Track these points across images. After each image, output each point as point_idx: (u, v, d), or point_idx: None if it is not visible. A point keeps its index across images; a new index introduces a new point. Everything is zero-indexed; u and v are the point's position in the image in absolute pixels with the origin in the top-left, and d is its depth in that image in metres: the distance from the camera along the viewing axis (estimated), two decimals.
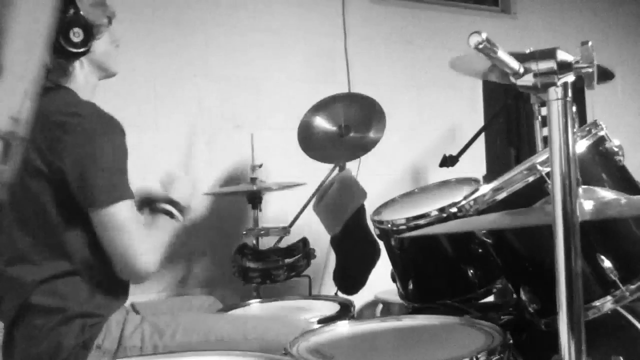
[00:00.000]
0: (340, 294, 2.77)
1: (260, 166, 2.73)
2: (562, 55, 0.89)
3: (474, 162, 2.71)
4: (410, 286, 1.95)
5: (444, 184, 2.19)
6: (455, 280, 1.88)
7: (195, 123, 3.03)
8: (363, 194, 2.68)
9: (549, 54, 0.89)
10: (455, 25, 3.79)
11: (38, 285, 1.50)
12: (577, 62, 0.89)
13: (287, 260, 2.51)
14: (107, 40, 1.67)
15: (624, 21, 4.54)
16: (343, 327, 1.49)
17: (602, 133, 1.49)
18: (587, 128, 1.49)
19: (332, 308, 1.92)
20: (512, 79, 0.91)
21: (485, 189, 1.57)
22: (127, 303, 1.78)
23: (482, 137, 2.68)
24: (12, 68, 0.84)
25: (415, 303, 1.96)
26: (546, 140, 1.56)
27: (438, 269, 1.93)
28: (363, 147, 2.59)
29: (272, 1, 3.28)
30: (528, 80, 0.90)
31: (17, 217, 1.53)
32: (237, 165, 3.08)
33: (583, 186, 1.33)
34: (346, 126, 2.67)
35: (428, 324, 1.49)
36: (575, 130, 1.17)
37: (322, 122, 2.70)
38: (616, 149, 1.47)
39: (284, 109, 3.20)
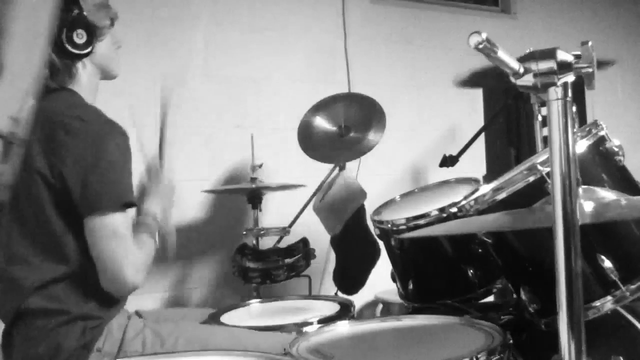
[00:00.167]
0: (340, 294, 2.77)
1: (260, 166, 2.73)
2: (562, 55, 0.89)
3: (474, 162, 2.71)
4: (410, 286, 1.95)
5: (444, 184, 2.19)
6: (455, 280, 1.88)
7: (195, 123, 3.03)
8: (363, 194, 2.68)
9: (549, 54, 0.89)
10: (455, 25, 3.79)
11: (37, 288, 1.50)
12: (577, 62, 0.89)
13: (287, 260, 2.51)
14: (109, 41, 1.67)
15: (624, 21, 4.54)
16: (343, 327, 1.49)
17: (602, 133, 1.49)
18: (587, 128, 1.49)
19: (332, 308, 1.91)
20: (512, 79, 0.91)
21: (485, 189, 1.57)
22: (132, 309, 1.78)
23: (482, 137, 2.67)
24: (12, 68, 0.84)
25: (415, 303, 1.96)
26: (546, 140, 1.56)
27: (438, 269, 1.93)
28: (363, 147, 2.59)
29: (272, 1, 3.28)
30: (528, 80, 0.90)
31: (17, 217, 1.53)
32: (237, 165, 3.08)
33: (583, 186, 1.33)
34: (346, 126, 2.67)
35: (428, 324, 1.49)
36: (575, 130, 1.17)
37: (322, 122, 2.70)
38: (616, 149, 1.47)
39: (284, 109, 3.20)
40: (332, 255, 2.85)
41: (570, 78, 0.89)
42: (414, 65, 3.68)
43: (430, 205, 1.87)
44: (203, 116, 3.06)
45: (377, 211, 2.09)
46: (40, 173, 1.47)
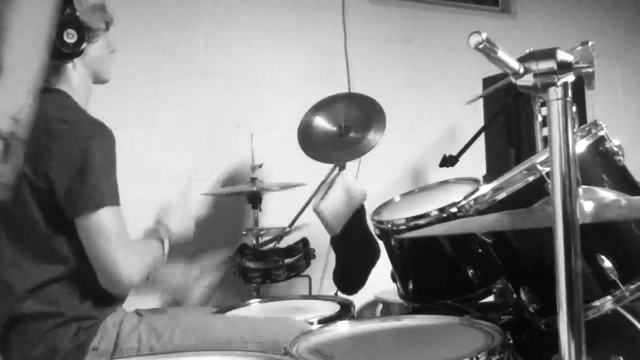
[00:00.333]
0: (340, 294, 2.77)
1: (260, 166, 2.73)
2: (562, 55, 0.89)
3: (474, 162, 2.70)
4: (410, 286, 1.95)
5: (444, 184, 2.19)
6: (455, 280, 1.88)
7: (195, 123, 3.03)
8: (363, 194, 2.68)
9: (549, 54, 0.89)
10: (455, 25, 3.79)
11: (30, 291, 1.49)
12: (577, 62, 0.89)
13: (287, 260, 2.51)
14: (103, 45, 1.65)
15: (624, 21, 4.54)
16: (343, 327, 1.49)
17: (602, 133, 1.49)
18: (587, 128, 1.49)
19: (332, 308, 1.92)
20: (512, 79, 0.91)
21: (485, 189, 1.57)
22: (131, 309, 1.78)
23: (482, 137, 2.67)
24: (12, 68, 0.84)
25: (415, 303, 1.96)
26: (546, 140, 1.56)
27: (438, 269, 1.93)
28: (363, 147, 2.59)
29: (272, 1, 3.28)
30: (528, 80, 0.90)
31: (5, 220, 1.52)
32: (237, 166, 3.08)
33: (583, 186, 1.33)
34: (346, 126, 2.67)
35: (428, 324, 1.49)
36: (575, 130, 1.17)
37: (322, 122, 2.70)
38: (616, 149, 1.47)
39: (284, 109, 3.20)
40: (332, 255, 2.85)
41: (570, 78, 0.89)
42: (414, 65, 3.68)
43: (430, 205, 1.87)
44: (203, 116, 3.06)
45: (377, 211, 2.09)
46: (26, 176, 1.46)
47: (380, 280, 2.44)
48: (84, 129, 1.51)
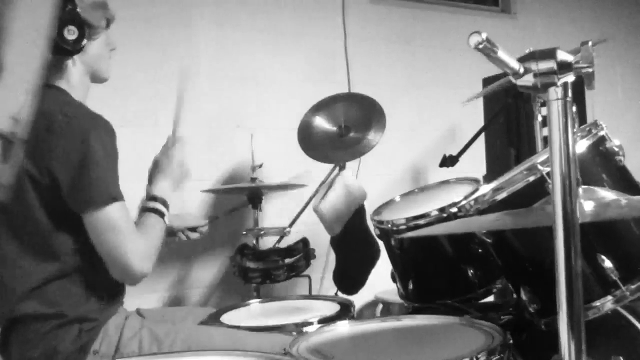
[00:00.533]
0: (340, 294, 2.77)
1: (261, 166, 2.73)
2: (562, 55, 0.89)
3: (474, 162, 2.70)
4: (410, 286, 1.95)
5: (444, 184, 2.19)
6: (455, 280, 1.88)
7: (195, 123, 3.03)
8: (363, 194, 2.68)
9: (549, 54, 0.89)
10: (455, 25, 3.79)
11: (30, 290, 1.49)
12: (577, 62, 0.89)
13: (287, 260, 2.51)
14: (103, 43, 1.64)
15: (624, 21, 4.54)
16: (343, 327, 1.49)
17: (602, 133, 1.49)
18: (587, 128, 1.49)
19: (332, 308, 1.91)
20: (512, 79, 0.91)
21: (485, 189, 1.57)
22: (132, 308, 1.78)
23: (482, 137, 2.67)
24: (12, 68, 0.84)
25: (415, 303, 1.96)
26: (546, 140, 1.56)
27: (438, 269, 1.93)
28: (363, 147, 2.59)
29: (272, 1, 3.28)
30: (528, 80, 0.90)
31: (4, 219, 1.52)
32: (237, 165, 3.08)
33: (583, 186, 1.33)
34: (346, 126, 2.67)
35: (428, 324, 1.49)
36: (575, 130, 1.17)
37: (322, 122, 2.70)
38: (616, 149, 1.47)
39: (284, 109, 3.20)
40: (332, 255, 2.85)
41: (570, 78, 0.89)
42: (414, 65, 3.68)
43: (430, 205, 1.87)
44: (203, 116, 3.06)
45: (377, 211, 2.09)
46: (28, 172, 1.46)
47: (380, 280, 2.44)
48: (83, 121, 1.50)
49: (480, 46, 0.82)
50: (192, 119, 3.01)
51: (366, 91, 2.81)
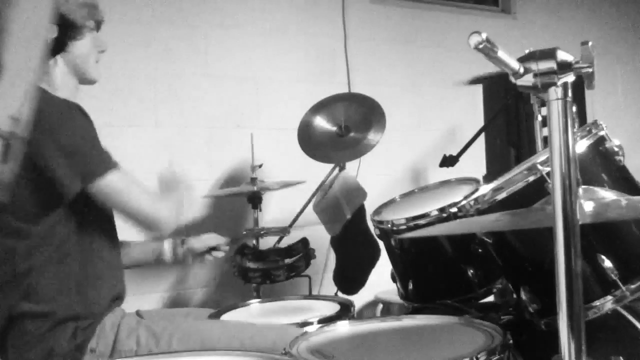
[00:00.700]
0: (340, 294, 2.77)
1: (260, 166, 2.73)
2: (562, 55, 0.89)
3: (474, 162, 2.71)
4: (410, 286, 1.95)
5: (444, 184, 2.19)
6: (455, 280, 1.88)
7: (195, 123, 3.03)
8: (363, 194, 2.68)
9: (549, 54, 0.89)
10: (455, 25, 3.79)
11: (24, 288, 1.49)
12: (577, 62, 0.89)
13: (287, 261, 2.51)
14: (89, 44, 1.61)
15: (624, 21, 4.54)
16: (343, 327, 1.49)
17: (602, 133, 1.49)
18: (587, 128, 1.49)
19: (332, 308, 1.91)
20: (512, 79, 0.91)
21: (485, 189, 1.57)
22: (132, 309, 1.78)
23: (482, 137, 2.68)
24: (11, 68, 0.84)
25: (415, 303, 1.96)
26: (546, 140, 1.56)
27: (438, 269, 1.93)
28: (363, 147, 2.59)
29: (272, 1, 3.28)
30: (528, 80, 0.90)
31: None
32: (237, 166, 3.08)
33: (583, 186, 1.33)
34: (346, 126, 2.67)
35: (428, 324, 1.49)
36: (575, 130, 1.17)
37: (322, 122, 2.70)
38: (616, 149, 1.47)
39: (284, 109, 3.20)
40: (332, 255, 2.85)
41: (570, 78, 0.89)
42: (414, 65, 3.68)
43: (430, 205, 1.87)
44: (203, 116, 3.06)
45: (377, 211, 2.09)
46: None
47: (380, 280, 2.44)
48: (51, 109, 1.49)
49: (480, 46, 0.82)
50: (192, 119, 3.02)
51: (366, 91, 2.81)
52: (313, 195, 2.80)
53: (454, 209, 1.78)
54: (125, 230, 1.68)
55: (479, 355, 1.18)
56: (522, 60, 0.90)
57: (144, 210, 1.55)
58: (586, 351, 0.90)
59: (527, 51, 0.90)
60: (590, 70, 0.89)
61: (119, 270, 1.69)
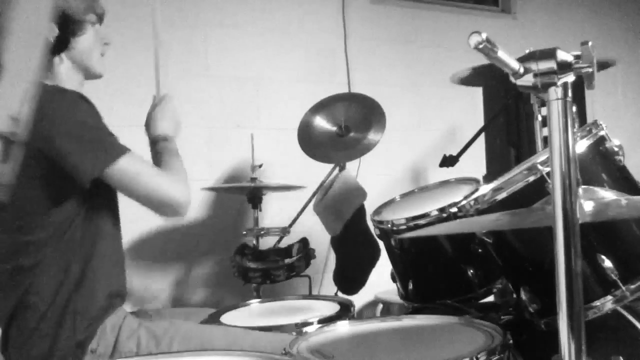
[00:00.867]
0: (340, 294, 2.77)
1: (260, 166, 2.73)
2: (562, 55, 0.89)
3: (474, 162, 2.70)
4: (410, 286, 1.95)
5: (444, 184, 2.19)
6: (455, 280, 1.88)
7: (195, 123, 3.03)
8: (363, 194, 2.68)
9: (549, 54, 0.89)
10: (455, 25, 3.79)
11: (24, 282, 1.49)
12: (577, 62, 0.89)
13: (287, 260, 2.51)
14: (92, 38, 1.61)
15: (624, 21, 4.54)
16: (343, 327, 1.49)
17: (602, 133, 1.49)
18: (587, 128, 1.49)
19: (332, 308, 1.91)
20: (512, 79, 0.91)
21: (485, 189, 1.57)
22: (132, 309, 1.78)
23: (482, 137, 2.67)
24: (12, 68, 0.84)
25: (415, 303, 1.96)
26: (546, 140, 1.56)
27: (438, 269, 1.93)
28: (363, 147, 2.59)
29: (272, 1, 3.28)
30: (528, 80, 0.90)
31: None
32: (237, 165, 3.08)
33: (583, 186, 1.33)
34: (346, 126, 2.67)
35: (428, 324, 1.49)
36: (575, 130, 1.17)
37: (322, 122, 2.70)
38: (616, 149, 1.47)
39: (284, 109, 3.20)
40: (332, 255, 2.85)
41: (570, 78, 0.89)
42: (414, 65, 3.68)
43: (430, 205, 1.87)
44: (203, 116, 3.06)
45: (377, 211, 2.09)
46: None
47: (380, 280, 2.44)
48: (58, 98, 1.49)
49: (480, 46, 0.82)
50: (192, 119, 3.02)
51: (366, 91, 2.81)
52: (313, 195, 2.80)
53: (454, 209, 1.77)
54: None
55: (479, 355, 1.18)
56: (522, 60, 0.90)
57: (160, 192, 1.52)
58: (586, 351, 0.90)
59: (527, 51, 0.90)
60: (590, 70, 0.89)
61: (121, 268, 1.69)
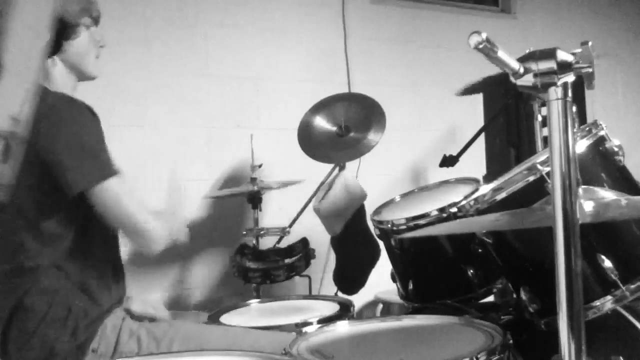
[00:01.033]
0: (340, 294, 2.77)
1: (260, 166, 2.73)
2: (562, 55, 0.89)
3: (474, 162, 2.71)
4: (410, 286, 1.95)
5: (444, 184, 2.19)
6: (455, 280, 1.88)
7: (195, 123, 3.03)
8: (363, 194, 2.68)
9: (549, 54, 0.89)
10: (455, 25, 3.79)
11: (25, 283, 1.49)
12: (576, 62, 0.89)
13: (287, 260, 2.51)
14: (86, 41, 1.60)
15: (624, 21, 4.54)
16: (343, 327, 1.49)
17: (602, 133, 1.49)
18: (587, 128, 1.49)
19: (332, 308, 1.92)
20: (512, 79, 0.91)
21: (485, 189, 1.57)
22: None
23: (482, 137, 2.68)
24: (12, 68, 0.84)
25: (415, 303, 1.96)
26: (546, 140, 1.56)
27: (438, 269, 1.93)
28: (363, 147, 2.59)
29: (272, 1, 3.28)
30: (528, 80, 0.90)
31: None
32: (237, 166, 3.08)
33: (583, 186, 1.33)
34: (346, 126, 2.67)
35: (428, 324, 1.49)
36: (575, 130, 1.17)
37: (322, 122, 2.70)
38: (616, 149, 1.47)
39: (284, 109, 3.20)
40: (332, 255, 2.85)
41: (570, 78, 0.89)
42: (414, 66, 3.68)
43: (430, 205, 1.87)
44: (203, 116, 3.06)
45: (377, 211, 2.09)
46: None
47: (380, 280, 2.44)
48: (66, 106, 1.50)
49: (480, 46, 0.82)
50: (192, 119, 3.02)
51: (366, 91, 2.81)
52: (313, 195, 2.79)
53: (454, 209, 1.77)
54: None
55: (479, 355, 1.18)
56: (522, 60, 0.90)
57: (137, 222, 1.51)
58: (586, 351, 0.90)
59: (527, 51, 0.90)
60: (590, 70, 0.89)
61: (121, 270, 1.69)
